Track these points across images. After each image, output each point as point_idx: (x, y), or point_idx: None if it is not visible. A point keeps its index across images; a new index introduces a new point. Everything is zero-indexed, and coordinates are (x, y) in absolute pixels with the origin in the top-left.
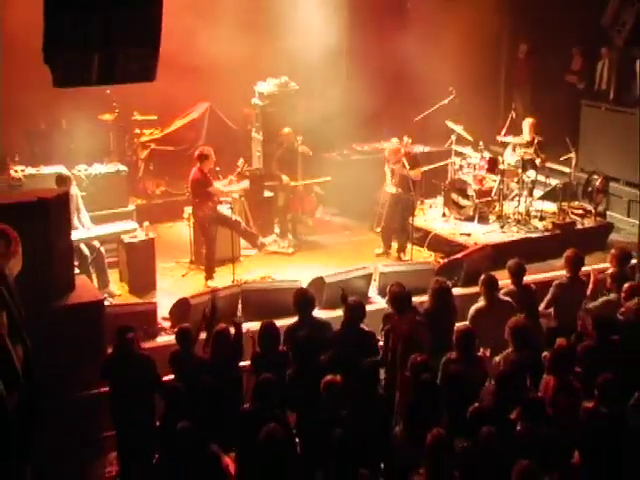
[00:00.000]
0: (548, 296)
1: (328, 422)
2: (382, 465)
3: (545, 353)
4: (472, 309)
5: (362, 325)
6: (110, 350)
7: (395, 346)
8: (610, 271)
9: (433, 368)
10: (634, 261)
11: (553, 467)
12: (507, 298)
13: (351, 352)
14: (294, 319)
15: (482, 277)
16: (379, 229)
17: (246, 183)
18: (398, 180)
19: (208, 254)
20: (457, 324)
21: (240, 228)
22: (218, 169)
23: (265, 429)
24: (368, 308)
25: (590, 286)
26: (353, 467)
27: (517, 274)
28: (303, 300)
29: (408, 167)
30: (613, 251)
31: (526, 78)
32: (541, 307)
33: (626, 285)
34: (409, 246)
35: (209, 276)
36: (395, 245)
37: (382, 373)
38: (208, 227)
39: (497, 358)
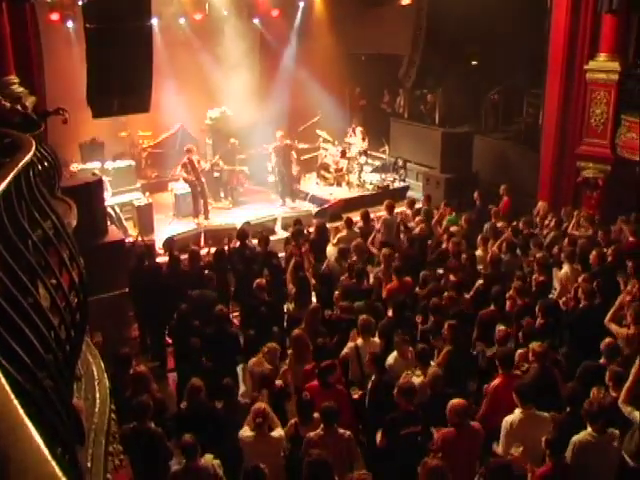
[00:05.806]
0: (378, 225)
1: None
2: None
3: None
4: (338, 235)
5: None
6: (132, 265)
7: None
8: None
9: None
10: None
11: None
12: (344, 232)
13: (267, 262)
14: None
15: (344, 218)
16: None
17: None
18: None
19: (205, 202)
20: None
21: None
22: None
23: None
24: (274, 238)
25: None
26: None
27: (365, 217)
28: (242, 233)
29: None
30: (406, 201)
31: (359, 106)
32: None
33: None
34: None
35: (206, 217)
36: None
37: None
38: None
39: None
